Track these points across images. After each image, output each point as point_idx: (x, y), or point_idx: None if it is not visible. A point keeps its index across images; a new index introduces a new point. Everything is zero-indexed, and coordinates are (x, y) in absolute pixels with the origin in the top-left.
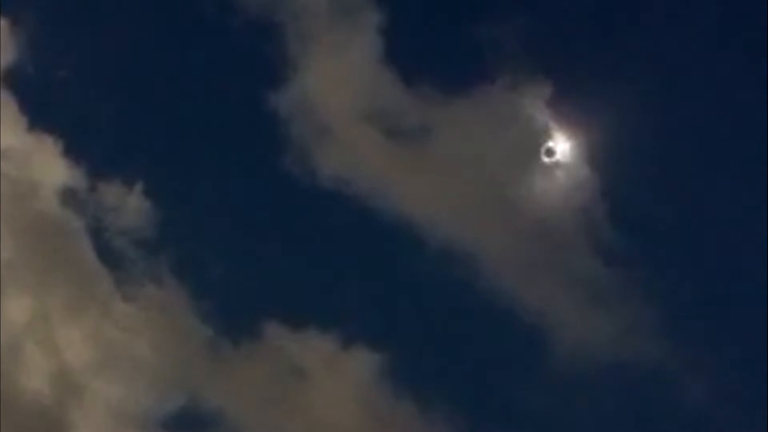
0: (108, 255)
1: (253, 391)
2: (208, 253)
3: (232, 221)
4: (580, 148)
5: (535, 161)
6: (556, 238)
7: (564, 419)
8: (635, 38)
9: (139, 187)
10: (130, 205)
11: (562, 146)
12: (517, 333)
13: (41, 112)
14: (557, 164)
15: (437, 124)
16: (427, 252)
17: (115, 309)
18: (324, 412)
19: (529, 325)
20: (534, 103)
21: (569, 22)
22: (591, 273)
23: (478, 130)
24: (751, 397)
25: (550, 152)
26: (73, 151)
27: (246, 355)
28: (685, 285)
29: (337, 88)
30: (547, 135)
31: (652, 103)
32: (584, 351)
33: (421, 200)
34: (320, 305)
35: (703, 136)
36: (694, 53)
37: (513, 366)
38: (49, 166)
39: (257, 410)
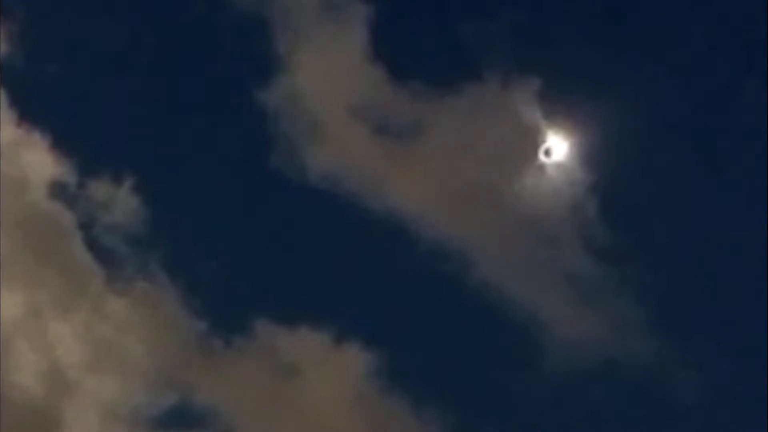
0: (98, 251)
1: (245, 388)
2: (198, 250)
3: (221, 218)
4: (570, 145)
5: (525, 158)
6: (547, 235)
7: (556, 416)
8: (626, 33)
9: (128, 183)
10: (119, 201)
11: (552, 143)
12: (508, 330)
13: (31, 106)
14: (548, 161)
15: (427, 121)
16: (418, 249)
17: (106, 305)
18: (317, 409)
19: (520, 322)
20: (524, 99)
21: (558, 17)
22: (582, 270)
23: (469, 127)
24: (744, 394)
25: (548, 153)
26: (63, 146)
27: (238, 353)
28: (676, 282)
29: (326, 84)
30: (537, 131)
31: (644, 99)
32: (576, 348)
33: (412, 197)
34: (312, 302)
35: (695, 133)
36: (687, 48)
37: (505, 363)
38: (38, 161)
39: (250, 408)
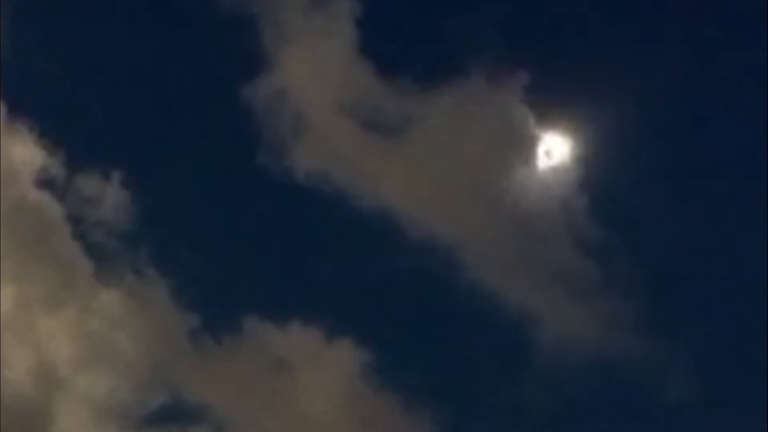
0: (87, 246)
1: (236, 385)
2: (187, 246)
3: (210, 214)
4: (558, 140)
5: (515, 153)
6: (537, 232)
7: (545, 412)
8: (613, 26)
9: (116, 178)
10: (108, 197)
11: (539, 137)
12: (498, 326)
13: (20, 101)
14: (537, 157)
15: (416, 117)
16: (407, 245)
17: (96, 301)
18: (308, 405)
19: (510, 319)
20: (511, 94)
21: (544, 10)
22: (571, 266)
23: (457, 122)
24: (733, 390)
25: (549, 154)
26: (51, 141)
27: (229, 349)
28: (665, 278)
29: (313, 81)
30: (525, 126)
31: (632, 94)
32: (565, 345)
33: (401, 193)
34: (301, 299)
35: (684, 129)
36: (676, 40)
37: (495, 359)
38: (27, 156)
39: (241, 404)
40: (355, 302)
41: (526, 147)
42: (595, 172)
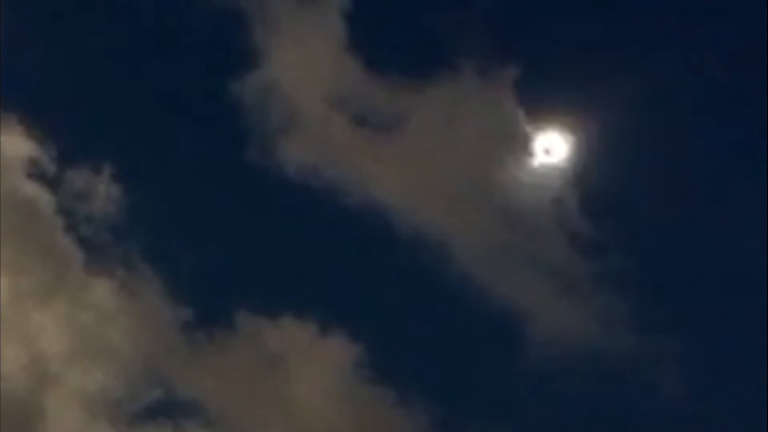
0: (78, 240)
1: (229, 379)
2: (178, 241)
3: (201, 209)
4: (550, 135)
5: (505, 148)
6: (528, 227)
7: (537, 407)
8: (604, 19)
9: (107, 171)
10: (99, 191)
11: (530, 132)
12: (489, 321)
13: (10, 93)
14: (528, 152)
15: (406, 112)
16: (398, 240)
17: (87, 295)
18: (302, 400)
19: (502, 314)
20: (502, 89)
21: (534, 4)
22: (563, 262)
23: (447, 117)
24: (725, 386)
25: (540, 149)
26: (42, 135)
27: (221, 344)
28: (658, 274)
29: (303, 76)
30: (515, 121)
31: (624, 89)
32: (557, 340)
33: (392, 188)
34: (293, 294)
35: (675, 124)
36: (671, 35)
37: (487, 354)
38: (17, 150)
39: (234, 399)
40: (348, 297)
41: (517, 142)
42: (587, 167)
